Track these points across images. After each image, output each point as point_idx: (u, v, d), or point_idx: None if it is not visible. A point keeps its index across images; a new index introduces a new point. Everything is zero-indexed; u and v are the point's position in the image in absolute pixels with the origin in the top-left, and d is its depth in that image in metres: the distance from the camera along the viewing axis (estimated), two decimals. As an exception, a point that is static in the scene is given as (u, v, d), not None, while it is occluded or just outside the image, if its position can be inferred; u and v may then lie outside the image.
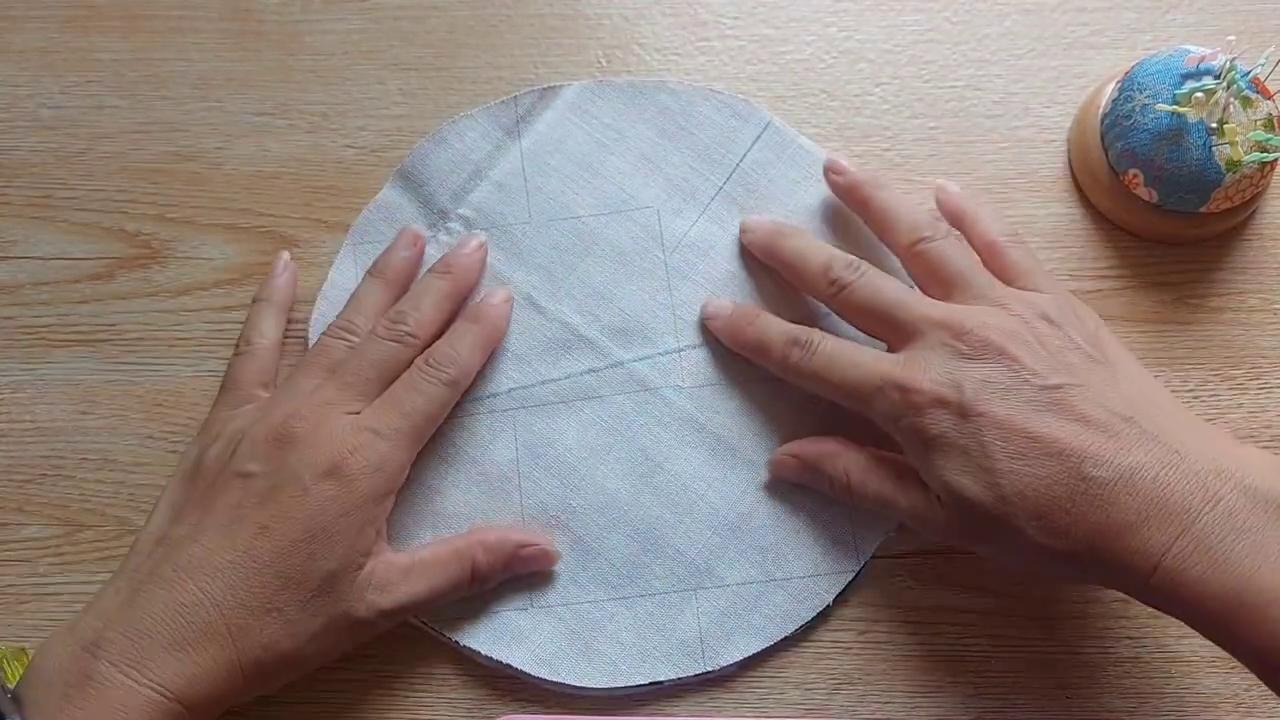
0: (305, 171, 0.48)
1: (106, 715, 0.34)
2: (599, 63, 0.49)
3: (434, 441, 0.43)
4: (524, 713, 0.42)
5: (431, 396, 0.41)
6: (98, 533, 0.45)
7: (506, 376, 0.45)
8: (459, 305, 0.45)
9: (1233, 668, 0.42)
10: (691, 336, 0.45)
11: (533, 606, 0.43)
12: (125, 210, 0.48)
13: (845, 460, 0.42)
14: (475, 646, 0.42)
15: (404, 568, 0.40)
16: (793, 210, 0.46)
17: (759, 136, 0.47)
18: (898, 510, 0.40)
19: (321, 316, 0.46)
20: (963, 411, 0.37)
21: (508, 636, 0.42)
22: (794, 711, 0.43)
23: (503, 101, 0.48)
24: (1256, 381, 0.45)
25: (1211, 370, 0.46)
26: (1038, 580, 0.43)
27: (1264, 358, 0.46)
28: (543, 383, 0.45)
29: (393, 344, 0.42)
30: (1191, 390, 0.45)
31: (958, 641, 0.43)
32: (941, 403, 0.38)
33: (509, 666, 0.42)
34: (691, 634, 0.42)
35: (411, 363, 0.42)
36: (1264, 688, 0.42)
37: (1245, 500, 0.35)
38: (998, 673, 0.43)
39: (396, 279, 0.45)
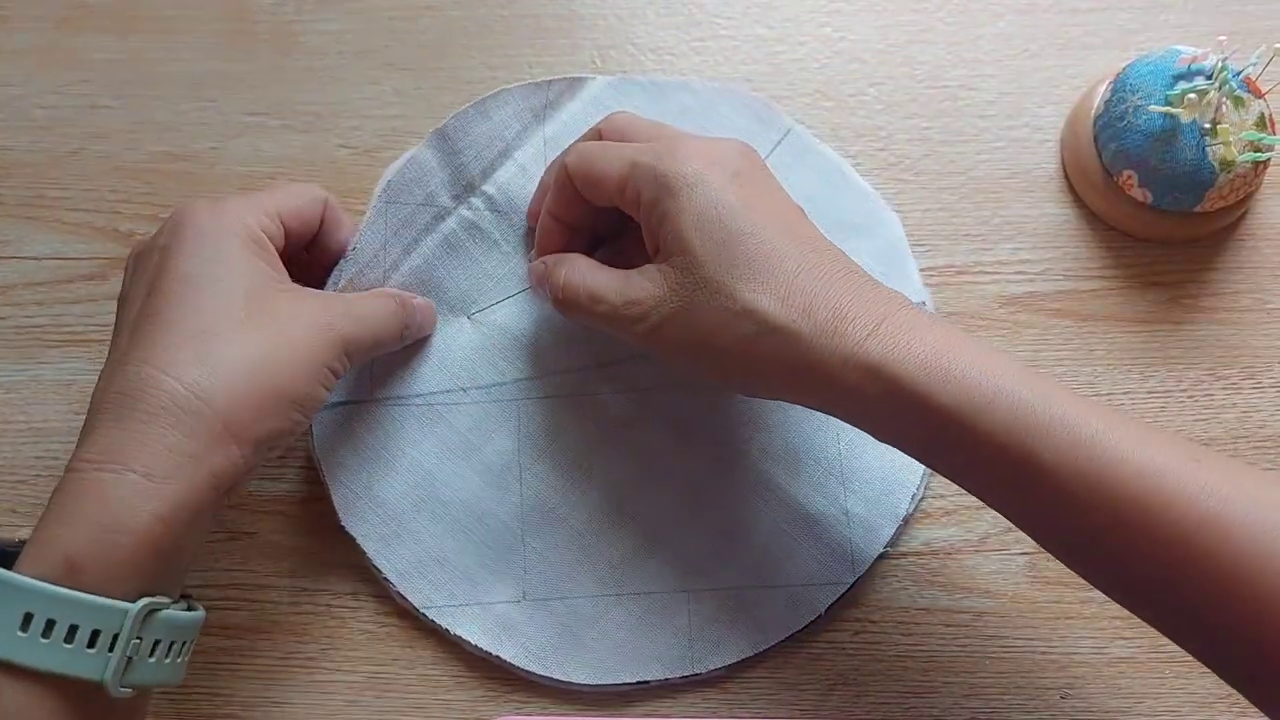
0: (299, 172, 0.48)
1: (58, 512, 0.33)
2: (593, 63, 0.49)
3: (436, 428, 0.44)
4: (522, 713, 0.42)
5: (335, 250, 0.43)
6: (91, 534, 0.44)
7: (513, 366, 0.45)
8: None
9: (1227, 667, 0.43)
10: None
11: (525, 599, 0.43)
12: (119, 210, 0.48)
13: (567, 265, 0.41)
14: (467, 637, 0.42)
15: (331, 295, 0.41)
16: (811, 217, 0.46)
17: (779, 142, 0.47)
18: (606, 304, 0.39)
19: (344, 275, 0.45)
20: (730, 173, 0.38)
21: (499, 628, 0.42)
22: (789, 712, 0.43)
23: (537, 84, 0.48)
24: (1250, 381, 0.46)
25: (1205, 370, 0.46)
26: (1034, 580, 0.44)
27: (1257, 357, 0.46)
28: (549, 375, 0.45)
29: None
30: (1185, 390, 0.45)
31: (952, 642, 0.43)
32: (700, 155, 0.38)
33: (498, 658, 0.42)
34: (682, 635, 0.42)
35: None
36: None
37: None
38: (992, 673, 0.43)
39: None
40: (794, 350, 0.35)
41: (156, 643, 0.34)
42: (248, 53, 0.50)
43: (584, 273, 0.40)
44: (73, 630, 0.32)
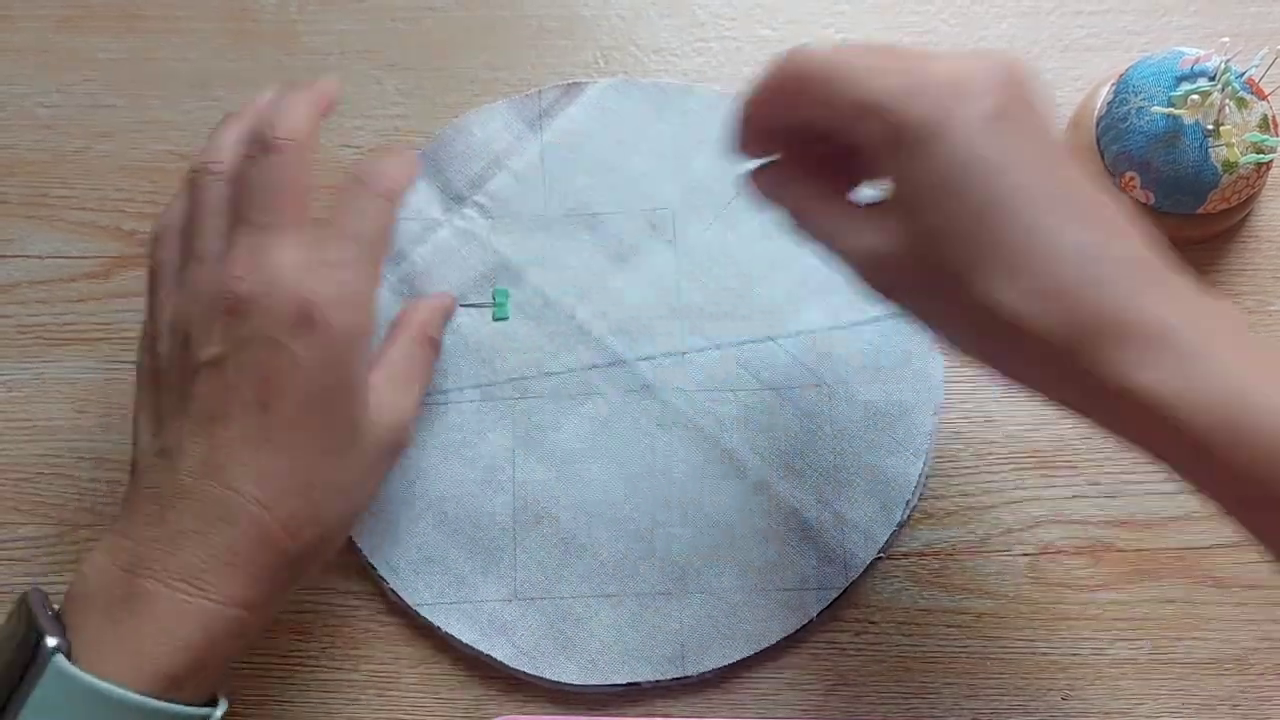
0: (302, 171, 0.48)
1: (152, 630, 0.33)
2: (596, 63, 0.49)
3: (431, 426, 0.44)
4: (521, 713, 0.42)
5: (374, 214, 0.37)
6: (94, 532, 0.44)
7: (508, 365, 0.45)
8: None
9: (1228, 670, 0.43)
10: (697, 340, 0.45)
11: (516, 599, 0.43)
12: (122, 209, 0.48)
13: (796, 189, 0.35)
14: (458, 635, 0.42)
15: (388, 381, 0.39)
16: None
17: None
18: (843, 245, 0.33)
19: None
20: (987, 113, 0.30)
21: (492, 628, 0.42)
22: (790, 712, 0.43)
23: (527, 95, 0.48)
24: (1252, 383, 0.46)
25: (1207, 372, 0.46)
26: (1035, 582, 0.43)
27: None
28: (544, 375, 0.45)
29: (276, 156, 0.36)
30: (1187, 391, 0.45)
31: (953, 643, 0.43)
32: (957, 105, 0.30)
33: (490, 657, 0.42)
34: (673, 637, 0.42)
35: (299, 173, 0.36)
36: (1262, 690, 0.42)
37: None
38: (993, 674, 0.43)
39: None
40: (1042, 358, 0.29)
41: None
42: (251, 52, 0.50)
43: (819, 201, 0.34)
44: None
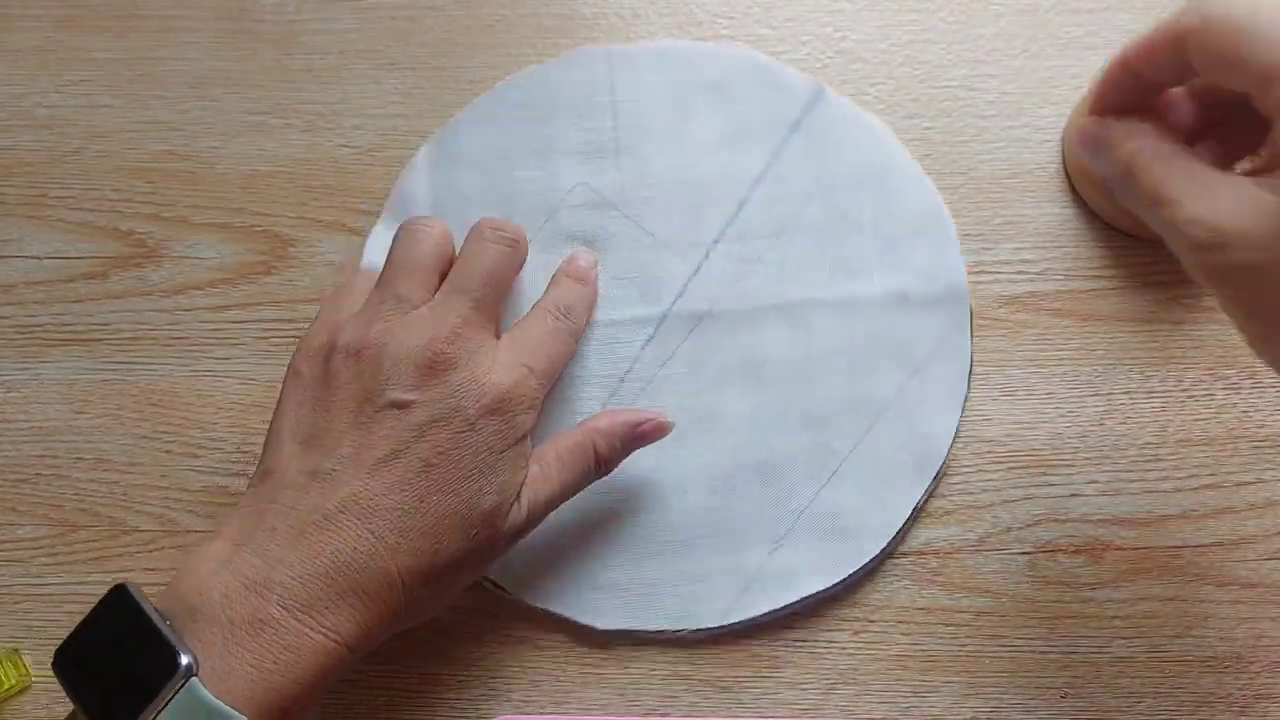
0: (301, 171, 0.48)
1: (274, 658, 0.33)
2: (595, 63, 0.49)
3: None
4: (521, 713, 0.42)
5: (566, 345, 0.42)
6: (91, 533, 0.44)
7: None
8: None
9: (1226, 668, 0.43)
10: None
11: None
12: (120, 209, 0.48)
13: (1141, 139, 0.31)
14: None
15: (540, 479, 0.39)
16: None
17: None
18: (1170, 212, 0.30)
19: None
20: None
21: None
22: (789, 711, 0.43)
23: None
24: (1250, 381, 0.46)
25: (1205, 369, 0.46)
26: (1034, 580, 0.44)
27: (1257, 357, 0.46)
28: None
29: (502, 248, 0.41)
30: (1185, 389, 0.45)
31: (952, 641, 0.43)
32: None
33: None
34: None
35: (513, 269, 0.42)
36: (1259, 687, 0.42)
37: None
38: (992, 673, 0.43)
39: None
40: None
41: None
42: (250, 52, 0.50)
43: (1164, 158, 0.30)
44: None
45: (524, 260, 0.43)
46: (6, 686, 0.43)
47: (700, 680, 0.43)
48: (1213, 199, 0.28)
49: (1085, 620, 0.43)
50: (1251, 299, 0.29)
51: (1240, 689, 0.42)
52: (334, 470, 0.36)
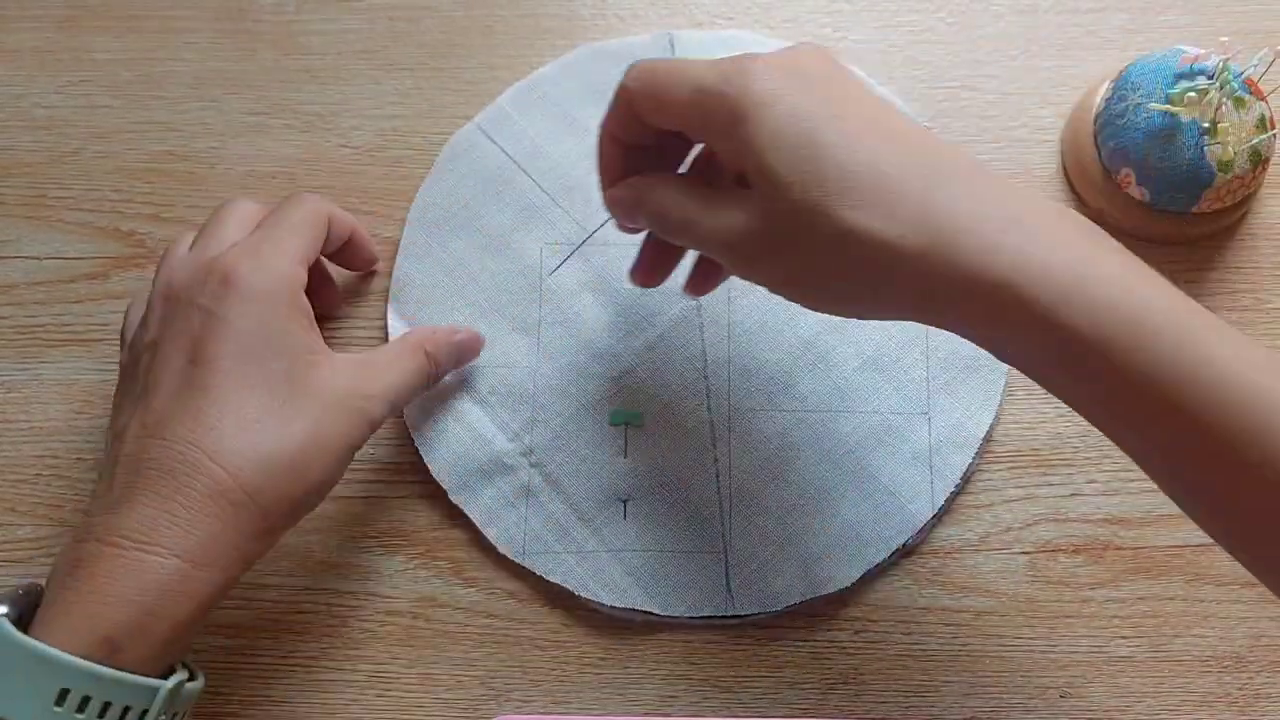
0: (300, 171, 0.48)
1: (89, 588, 0.33)
2: (594, 63, 0.49)
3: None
4: (520, 713, 0.42)
5: (304, 208, 0.40)
6: (92, 533, 0.44)
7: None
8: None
9: (1226, 667, 0.43)
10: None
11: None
12: (120, 210, 0.48)
13: (655, 188, 0.37)
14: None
15: (361, 361, 0.39)
16: None
17: None
18: (702, 232, 0.35)
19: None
20: (807, 81, 0.33)
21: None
22: (789, 711, 0.43)
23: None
24: (1250, 381, 0.46)
25: (1205, 370, 0.46)
26: (1034, 580, 0.44)
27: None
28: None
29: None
30: (1185, 390, 0.45)
31: (952, 641, 0.43)
32: (771, 64, 0.34)
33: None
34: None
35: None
36: (1259, 687, 0.42)
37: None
38: (991, 672, 0.43)
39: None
40: (907, 270, 0.31)
41: (174, 714, 0.35)
42: (249, 52, 0.50)
43: (675, 193, 0.36)
44: (105, 707, 0.32)
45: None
46: None
47: (700, 680, 0.43)
48: (715, 213, 0.35)
49: (1085, 620, 0.43)
50: (771, 276, 0.35)
51: (1240, 689, 0.42)
52: (126, 423, 0.36)
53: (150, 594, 0.33)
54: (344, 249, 0.44)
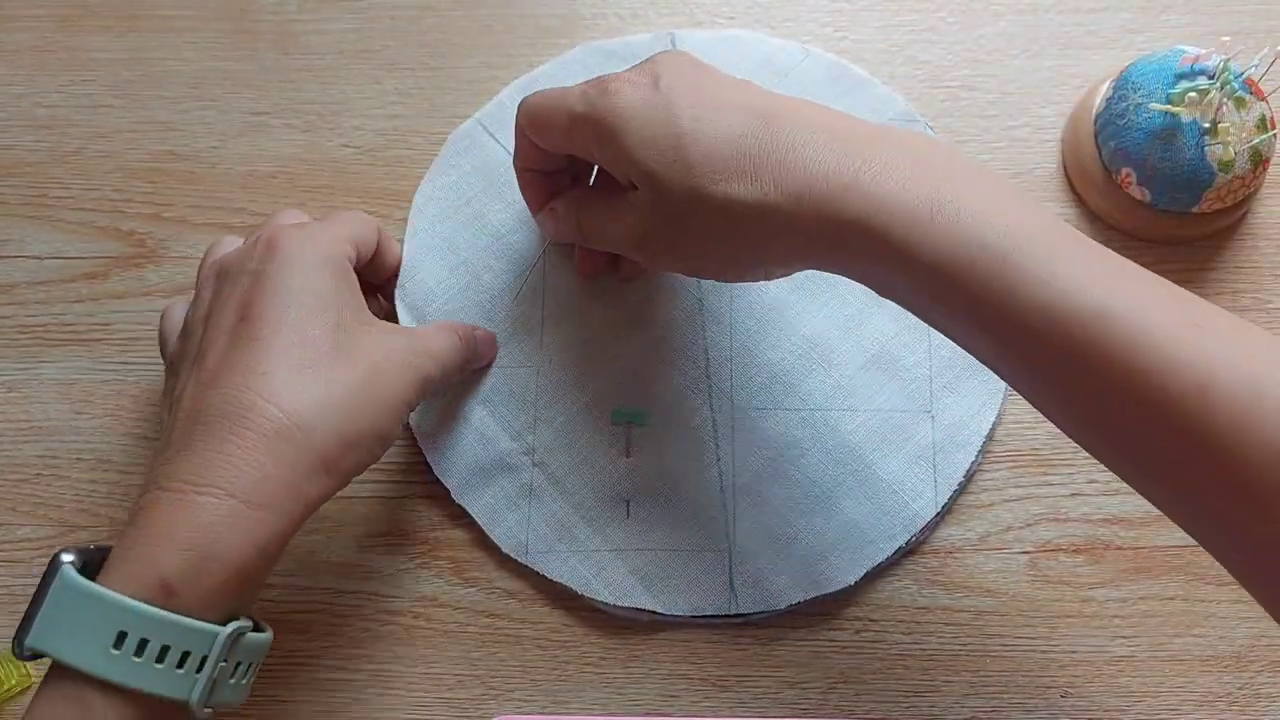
0: (300, 171, 0.48)
1: (151, 537, 0.33)
2: (595, 62, 0.49)
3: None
4: (521, 713, 0.43)
5: (358, 218, 0.42)
6: (91, 533, 0.44)
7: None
8: None
9: (1226, 667, 0.43)
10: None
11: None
12: (120, 209, 0.48)
13: (578, 208, 0.42)
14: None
15: (409, 329, 0.42)
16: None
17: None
18: (611, 237, 0.40)
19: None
20: (657, 83, 0.37)
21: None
22: (790, 710, 0.43)
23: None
24: (1250, 381, 0.46)
25: (1205, 370, 0.46)
26: (1034, 580, 0.44)
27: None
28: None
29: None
30: (1185, 390, 0.46)
31: (952, 641, 0.43)
32: (625, 79, 0.38)
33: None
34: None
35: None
36: (1259, 686, 0.43)
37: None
38: (992, 672, 0.43)
39: None
40: (783, 224, 0.34)
41: (237, 664, 0.35)
42: (250, 52, 0.50)
43: (585, 208, 0.41)
44: (164, 650, 0.32)
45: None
46: (7, 687, 0.43)
47: (701, 679, 0.43)
48: (619, 220, 0.39)
49: (1086, 619, 0.43)
50: (679, 263, 0.39)
51: (1240, 689, 0.43)
52: (183, 388, 0.37)
53: (205, 536, 0.33)
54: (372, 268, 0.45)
